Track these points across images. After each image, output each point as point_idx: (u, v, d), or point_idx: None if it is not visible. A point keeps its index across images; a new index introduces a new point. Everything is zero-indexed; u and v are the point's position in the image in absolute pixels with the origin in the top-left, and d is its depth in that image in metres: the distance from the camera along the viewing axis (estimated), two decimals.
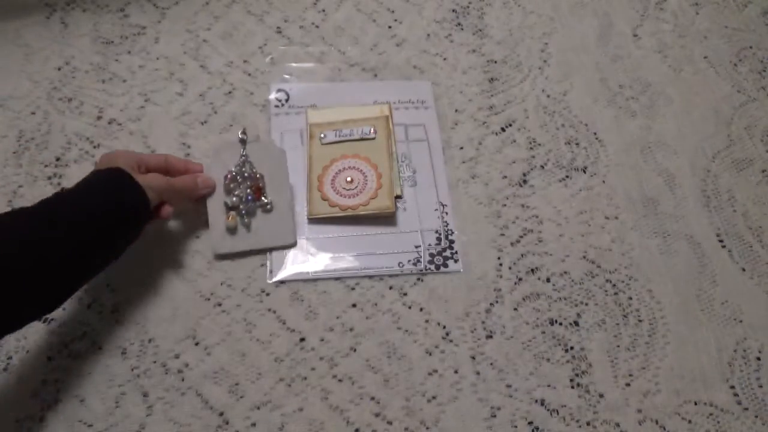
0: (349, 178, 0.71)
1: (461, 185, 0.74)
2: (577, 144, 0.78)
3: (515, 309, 0.67)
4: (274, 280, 0.66)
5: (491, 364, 0.64)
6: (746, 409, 0.64)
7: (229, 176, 0.67)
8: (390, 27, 0.84)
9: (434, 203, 0.72)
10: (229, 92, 0.77)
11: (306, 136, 0.74)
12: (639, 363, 0.65)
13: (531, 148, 0.77)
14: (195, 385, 0.60)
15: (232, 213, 0.66)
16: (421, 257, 0.68)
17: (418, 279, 0.68)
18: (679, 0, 0.92)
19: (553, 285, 0.69)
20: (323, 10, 0.84)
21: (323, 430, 0.60)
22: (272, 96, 0.77)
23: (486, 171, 0.75)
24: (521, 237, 0.71)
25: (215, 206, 0.67)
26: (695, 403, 0.64)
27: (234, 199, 0.67)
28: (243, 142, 0.70)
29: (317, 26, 0.83)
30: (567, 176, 0.75)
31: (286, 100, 0.77)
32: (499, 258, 0.70)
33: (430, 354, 0.64)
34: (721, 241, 0.73)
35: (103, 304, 0.63)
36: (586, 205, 0.74)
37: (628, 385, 0.64)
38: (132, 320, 0.63)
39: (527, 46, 0.85)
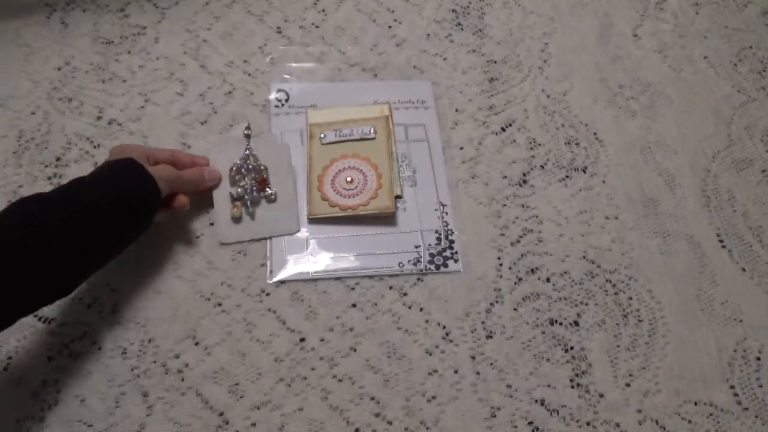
0: (349, 178, 0.71)
1: (461, 185, 0.73)
2: (577, 144, 0.78)
3: (515, 309, 0.67)
4: (274, 280, 0.66)
5: (491, 364, 0.64)
6: (746, 409, 0.64)
7: (234, 168, 0.70)
8: (390, 27, 0.84)
9: (434, 203, 0.72)
10: (229, 92, 0.77)
11: (306, 136, 0.74)
12: (639, 363, 0.65)
13: (531, 148, 0.77)
14: (195, 385, 0.60)
15: (237, 203, 0.68)
16: (421, 257, 0.68)
17: (418, 279, 0.68)
18: (679, 0, 0.92)
19: (553, 285, 0.69)
20: (323, 10, 0.84)
21: (323, 430, 0.60)
22: (272, 96, 0.77)
23: (486, 171, 0.75)
24: (521, 237, 0.71)
25: (221, 197, 0.69)
26: (695, 403, 0.64)
27: (239, 190, 0.68)
28: (248, 137, 0.72)
29: (317, 26, 0.83)
30: (567, 176, 0.75)
31: (286, 100, 0.77)
32: (499, 258, 0.70)
33: (430, 354, 0.64)
34: (721, 241, 0.73)
35: (103, 304, 0.63)
36: (586, 205, 0.74)
37: (628, 385, 0.64)
38: (132, 320, 0.63)
39: (527, 46, 0.85)
